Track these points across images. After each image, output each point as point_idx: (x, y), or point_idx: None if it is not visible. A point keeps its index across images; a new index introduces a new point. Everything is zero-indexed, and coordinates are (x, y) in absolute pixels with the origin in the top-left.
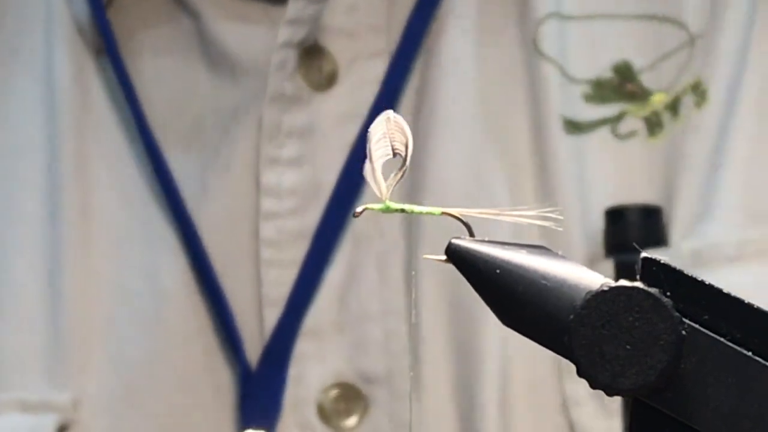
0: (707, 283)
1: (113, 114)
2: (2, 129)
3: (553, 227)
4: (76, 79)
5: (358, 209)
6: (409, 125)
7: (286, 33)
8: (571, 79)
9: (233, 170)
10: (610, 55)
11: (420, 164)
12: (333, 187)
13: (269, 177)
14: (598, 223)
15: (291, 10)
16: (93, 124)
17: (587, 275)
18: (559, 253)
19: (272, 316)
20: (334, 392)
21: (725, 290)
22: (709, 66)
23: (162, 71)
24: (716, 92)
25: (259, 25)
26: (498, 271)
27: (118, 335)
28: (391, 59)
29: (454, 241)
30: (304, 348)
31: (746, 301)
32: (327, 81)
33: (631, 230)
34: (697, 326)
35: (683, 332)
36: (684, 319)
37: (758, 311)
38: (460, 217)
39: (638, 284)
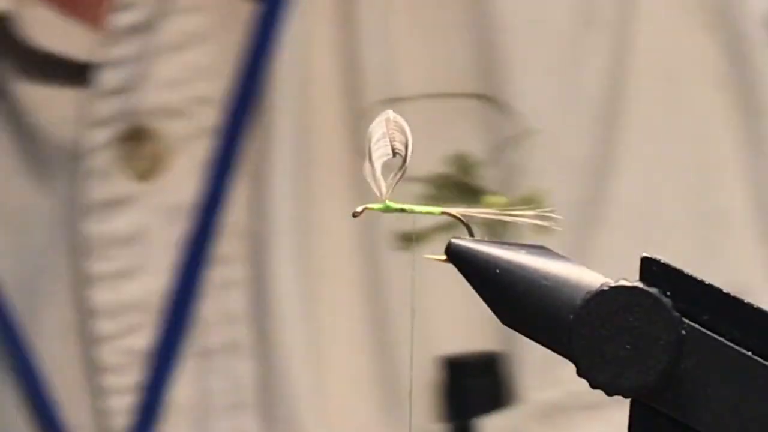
0: (707, 282)
1: None
2: None
3: (553, 227)
4: None
5: (358, 209)
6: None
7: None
8: None
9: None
10: None
11: None
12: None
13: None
14: None
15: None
16: None
17: (587, 275)
18: (560, 252)
19: None
20: None
21: (725, 290)
22: None
23: None
24: None
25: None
26: (498, 271)
27: None
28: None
29: (454, 240)
30: None
31: (746, 301)
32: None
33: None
34: (697, 326)
35: (683, 332)
36: (684, 319)
37: (758, 311)
38: (460, 217)
39: (638, 284)
